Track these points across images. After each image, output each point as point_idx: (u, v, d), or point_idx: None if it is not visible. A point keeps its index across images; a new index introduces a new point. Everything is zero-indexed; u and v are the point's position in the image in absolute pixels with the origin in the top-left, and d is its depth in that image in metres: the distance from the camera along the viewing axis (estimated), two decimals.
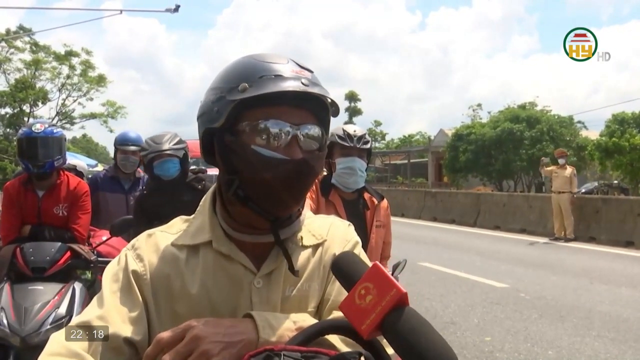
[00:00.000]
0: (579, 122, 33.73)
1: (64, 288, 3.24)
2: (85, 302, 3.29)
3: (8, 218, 3.77)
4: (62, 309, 3.12)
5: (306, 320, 1.07)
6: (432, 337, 0.84)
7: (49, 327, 3.00)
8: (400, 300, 0.87)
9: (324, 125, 1.16)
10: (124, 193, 5.00)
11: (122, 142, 5.00)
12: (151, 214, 3.28)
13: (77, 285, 3.35)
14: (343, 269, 0.98)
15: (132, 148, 4.96)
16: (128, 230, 3.89)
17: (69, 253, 3.43)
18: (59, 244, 3.47)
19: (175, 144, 3.69)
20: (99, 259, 3.64)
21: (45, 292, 3.17)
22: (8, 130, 39.19)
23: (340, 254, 1.03)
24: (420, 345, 0.83)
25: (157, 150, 3.70)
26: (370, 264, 1.27)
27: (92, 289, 3.61)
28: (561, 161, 13.15)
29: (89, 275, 3.74)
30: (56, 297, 3.16)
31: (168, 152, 3.67)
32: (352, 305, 0.90)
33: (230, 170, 1.12)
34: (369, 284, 0.89)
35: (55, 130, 3.78)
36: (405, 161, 46.19)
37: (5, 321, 2.99)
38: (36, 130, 3.66)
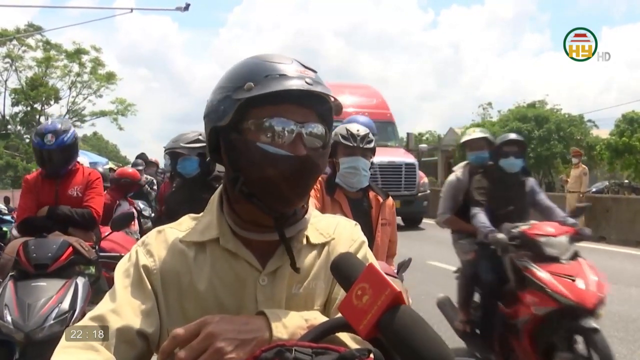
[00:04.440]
0: (590, 121, 33.54)
1: (66, 283, 3.26)
2: (89, 297, 3.34)
3: (24, 201, 4.06)
4: (65, 304, 3.14)
5: (317, 318, 1.09)
6: (427, 334, 0.84)
7: (52, 322, 3.02)
8: (394, 300, 0.87)
9: (327, 124, 1.18)
10: None
11: None
12: (172, 211, 3.33)
13: (80, 281, 3.37)
14: (341, 270, 0.99)
15: None
16: (128, 225, 4.01)
17: (70, 249, 3.46)
18: (61, 240, 3.50)
19: (189, 143, 3.82)
20: (102, 254, 3.69)
21: (48, 288, 3.18)
22: (19, 128, 39.48)
23: (338, 255, 1.03)
24: (414, 342, 0.83)
25: (170, 148, 3.89)
26: (376, 263, 1.29)
27: (97, 284, 3.65)
28: (574, 160, 13.28)
29: (92, 270, 3.77)
30: (59, 293, 3.17)
31: (179, 150, 3.82)
32: (350, 306, 0.91)
33: (236, 168, 1.15)
34: (365, 285, 0.90)
35: (66, 138, 3.90)
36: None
37: (9, 318, 3.00)
38: (48, 143, 3.82)
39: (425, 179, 16.16)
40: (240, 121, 1.12)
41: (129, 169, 8.36)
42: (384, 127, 15.55)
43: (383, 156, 13.24)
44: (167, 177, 8.24)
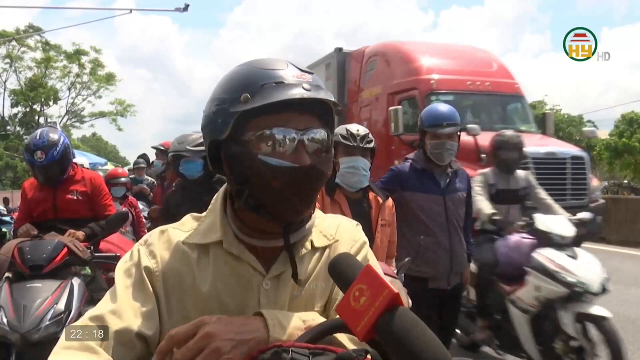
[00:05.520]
0: (589, 121, 33.58)
1: (62, 285, 3.24)
2: (85, 298, 3.33)
3: (22, 209, 4.17)
4: (61, 305, 3.12)
5: (315, 319, 1.08)
6: (425, 337, 0.83)
7: (48, 323, 3.00)
8: (392, 301, 0.85)
9: (329, 127, 1.16)
10: (441, 194, 3.68)
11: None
12: (173, 213, 3.34)
13: (76, 282, 3.35)
14: (339, 271, 0.98)
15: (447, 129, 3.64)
16: (123, 226, 4.03)
17: (65, 250, 3.45)
18: (56, 241, 3.49)
19: (195, 146, 3.83)
20: (97, 254, 3.71)
21: (43, 290, 3.17)
22: (19, 129, 39.54)
23: (336, 257, 1.02)
24: (412, 345, 0.82)
25: (175, 150, 3.88)
26: (377, 264, 1.28)
27: (93, 284, 3.64)
28: None
29: (89, 271, 3.77)
30: (55, 294, 3.15)
31: (185, 153, 3.83)
32: (348, 308, 0.90)
33: (240, 180, 1.13)
34: (362, 286, 0.89)
35: (56, 153, 3.87)
36: None
37: (5, 319, 2.99)
38: (38, 160, 3.82)
39: (596, 181, 10.56)
40: (239, 133, 1.09)
41: (119, 170, 8.38)
42: (510, 103, 11.03)
43: (538, 146, 9.02)
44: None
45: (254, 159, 1.08)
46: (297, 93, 1.06)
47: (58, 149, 3.85)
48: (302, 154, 1.09)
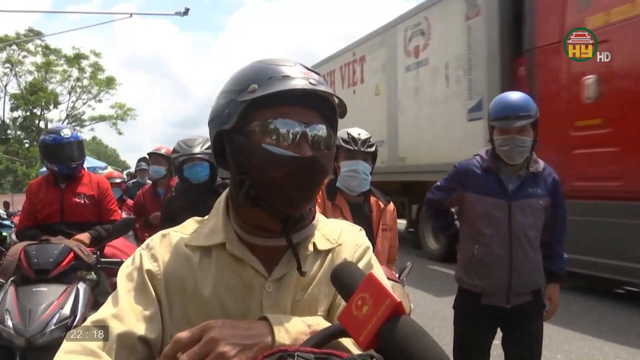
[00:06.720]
0: None
1: (67, 289, 3.25)
2: (90, 303, 3.33)
3: (27, 208, 4.17)
4: (66, 310, 3.12)
5: (320, 323, 1.07)
6: (428, 345, 0.83)
7: (53, 327, 3.00)
8: (395, 310, 0.86)
9: (332, 126, 1.17)
10: (506, 198, 3.09)
11: None
12: (176, 217, 3.34)
13: (81, 286, 3.36)
14: (341, 279, 0.98)
15: None
16: (129, 231, 4.02)
17: (71, 254, 3.46)
18: (62, 245, 3.50)
19: (206, 148, 3.82)
20: (103, 259, 3.73)
21: (49, 294, 3.17)
22: (19, 133, 39.56)
23: (338, 265, 1.03)
24: (415, 354, 0.82)
25: (188, 154, 3.84)
26: (380, 269, 1.28)
27: (97, 289, 3.65)
28: None
29: (93, 275, 3.78)
30: (60, 298, 3.16)
31: (198, 155, 3.81)
32: (350, 317, 0.90)
33: (241, 171, 1.14)
34: (365, 294, 0.89)
35: (78, 135, 4.13)
36: None
37: (10, 323, 2.99)
38: (65, 136, 3.98)
39: None
40: (245, 124, 1.11)
41: (114, 172, 8.57)
42: None
43: None
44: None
45: (257, 148, 1.09)
46: (302, 84, 1.09)
47: (78, 133, 4.15)
48: (304, 145, 1.10)
